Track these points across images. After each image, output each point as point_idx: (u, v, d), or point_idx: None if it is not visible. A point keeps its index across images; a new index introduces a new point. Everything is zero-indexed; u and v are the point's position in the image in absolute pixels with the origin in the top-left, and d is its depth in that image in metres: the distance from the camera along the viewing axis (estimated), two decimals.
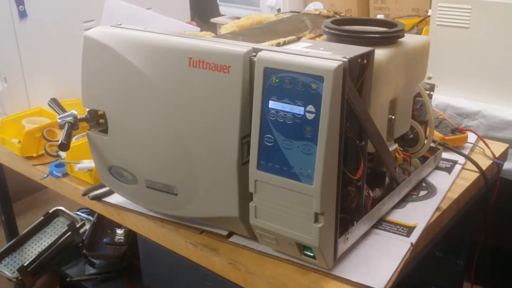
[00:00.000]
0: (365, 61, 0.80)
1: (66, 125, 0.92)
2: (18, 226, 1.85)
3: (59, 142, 0.89)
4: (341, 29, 0.89)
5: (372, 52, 0.82)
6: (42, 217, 1.80)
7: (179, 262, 0.99)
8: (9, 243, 1.71)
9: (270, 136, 0.78)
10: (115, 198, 1.06)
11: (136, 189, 0.95)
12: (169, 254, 0.99)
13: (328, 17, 1.10)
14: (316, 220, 0.77)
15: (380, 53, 0.87)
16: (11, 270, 1.62)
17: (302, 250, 0.83)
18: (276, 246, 0.86)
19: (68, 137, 0.90)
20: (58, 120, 0.93)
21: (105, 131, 0.95)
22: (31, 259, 1.62)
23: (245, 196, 0.84)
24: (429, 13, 1.97)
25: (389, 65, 0.89)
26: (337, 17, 1.09)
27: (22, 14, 1.25)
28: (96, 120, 0.95)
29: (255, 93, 0.78)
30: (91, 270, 1.66)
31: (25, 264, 1.59)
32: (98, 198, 1.06)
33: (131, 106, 0.90)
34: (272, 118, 0.77)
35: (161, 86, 0.86)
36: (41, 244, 1.72)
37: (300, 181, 0.76)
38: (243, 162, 0.83)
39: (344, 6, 2.40)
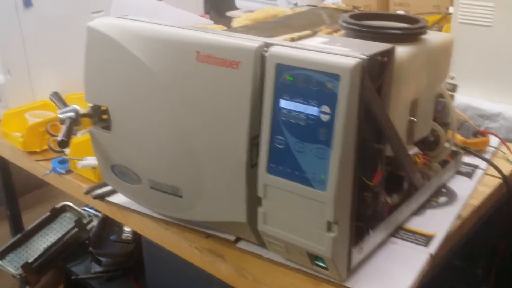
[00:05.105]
0: (385, 58, 0.75)
1: (67, 121, 0.88)
2: (26, 220, 1.82)
3: (59, 138, 0.84)
4: (360, 24, 0.84)
5: (393, 49, 0.76)
6: (48, 213, 1.77)
7: (184, 266, 0.94)
8: (14, 238, 1.68)
9: (281, 137, 0.72)
10: (119, 198, 1.01)
11: (140, 189, 0.91)
12: (174, 258, 0.95)
13: (346, 11, 1.04)
14: (329, 229, 0.72)
15: (402, 51, 0.81)
16: (15, 266, 1.59)
17: (313, 260, 0.78)
18: (286, 254, 0.81)
19: (69, 133, 0.86)
20: (59, 115, 0.89)
21: (108, 127, 0.90)
22: (36, 255, 1.59)
23: (253, 201, 0.79)
24: (450, 10, 1.90)
25: (410, 63, 0.83)
26: (356, 11, 1.03)
27: (27, 3, 1.21)
28: (99, 116, 0.91)
29: (266, 91, 0.72)
30: (97, 268, 1.63)
31: (29, 261, 1.56)
32: (101, 197, 1.02)
33: (135, 102, 0.85)
34: (284, 119, 0.72)
35: (167, 81, 0.81)
36: (47, 240, 1.69)
37: (312, 186, 0.71)
38: (252, 164, 0.78)
39: (363, 1, 2.34)
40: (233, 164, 0.78)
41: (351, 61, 0.66)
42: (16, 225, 1.74)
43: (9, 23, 1.22)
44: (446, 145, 1.02)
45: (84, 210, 1.79)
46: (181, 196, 0.86)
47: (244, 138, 0.76)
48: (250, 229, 0.82)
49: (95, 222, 1.73)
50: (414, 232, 0.91)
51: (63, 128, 0.86)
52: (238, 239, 0.89)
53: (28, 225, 1.77)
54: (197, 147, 0.81)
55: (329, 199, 0.70)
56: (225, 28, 1.03)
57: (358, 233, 0.80)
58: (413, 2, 2.31)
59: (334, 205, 0.70)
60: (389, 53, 0.75)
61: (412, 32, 0.85)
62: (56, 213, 1.79)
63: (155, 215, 0.96)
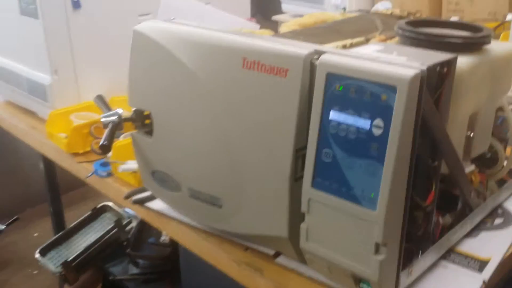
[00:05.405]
0: (445, 69, 0.69)
1: (110, 125, 0.86)
2: (68, 217, 1.85)
3: (100, 143, 0.83)
4: (418, 32, 0.78)
5: (454, 59, 0.70)
6: (90, 212, 1.79)
7: (221, 277, 0.91)
8: (55, 236, 1.70)
9: (328, 151, 0.68)
10: (158, 204, 0.99)
11: (179, 197, 0.88)
12: (212, 269, 0.92)
13: (401, 17, 0.99)
14: (376, 251, 0.67)
15: (463, 61, 0.75)
16: (55, 264, 1.61)
17: (357, 282, 0.73)
18: (328, 274, 0.76)
19: (111, 137, 0.85)
20: (102, 119, 0.87)
21: (150, 132, 0.88)
22: (76, 254, 1.60)
23: (296, 216, 0.74)
24: (509, 17, 1.81)
25: (472, 75, 0.77)
26: (412, 18, 0.97)
27: (76, 5, 1.21)
28: (142, 121, 0.89)
29: (314, 101, 0.68)
30: (134, 270, 1.63)
31: (69, 259, 1.58)
32: (141, 202, 1.00)
33: (179, 107, 0.83)
34: (333, 131, 0.67)
35: (211, 87, 0.78)
36: (87, 239, 1.71)
37: (360, 204, 0.66)
38: (296, 177, 0.74)
39: (414, 6, 2.25)
40: (277, 176, 0.75)
41: (409, 72, 0.61)
42: (58, 222, 1.76)
43: (57, 24, 1.22)
44: (505, 162, 0.95)
45: (124, 211, 1.79)
46: (220, 207, 0.83)
47: (289, 149, 0.72)
48: (291, 245, 0.78)
49: (134, 223, 1.73)
50: (466, 256, 0.85)
51: (105, 133, 0.85)
52: (277, 254, 0.85)
53: (70, 222, 1.79)
54: (240, 156, 0.78)
55: (379, 219, 0.65)
56: (272, 33, 1.00)
57: (407, 256, 0.74)
58: (467, 9, 2.21)
59: (384, 226, 0.65)
60: (450, 63, 0.70)
61: (475, 41, 0.79)
62: (97, 213, 1.80)
63: (193, 224, 0.93)
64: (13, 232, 2.26)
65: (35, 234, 2.32)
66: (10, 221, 2.11)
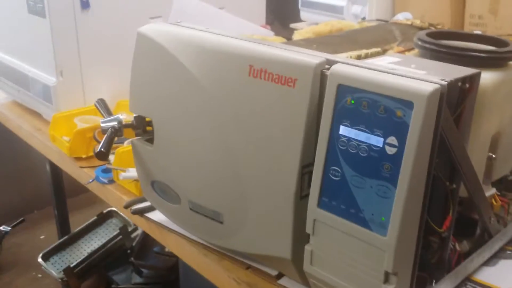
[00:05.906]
0: (467, 85, 0.64)
1: (109, 131, 0.82)
2: (74, 222, 1.82)
3: (98, 149, 0.79)
4: (438, 44, 0.73)
5: (478, 75, 0.65)
6: (95, 217, 1.76)
7: None
8: (59, 240, 1.67)
9: (337, 168, 0.63)
10: (159, 215, 0.95)
11: (179, 209, 0.84)
12: (211, 285, 0.87)
13: (422, 28, 0.93)
14: (386, 281, 0.62)
15: (486, 77, 0.70)
16: (57, 269, 1.58)
17: None
18: None
19: (109, 144, 0.80)
20: (102, 125, 0.83)
21: (151, 140, 0.84)
22: (79, 260, 1.57)
23: (300, 237, 0.69)
24: None
25: (496, 92, 0.72)
26: (433, 29, 0.92)
27: (84, 5, 1.18)
28: (143, 128, 0.85)
29: (323, 114, 0.63)
30: (138, 279, 1.59)
31: (71, 265, 1.54)
32: (140, 212, 0.96)
33: (181, 115, 0.79)
34: (342, 147, 0.62)
35: (216, 95, 0.74)
36: (91, 245, 1.68)
37: (370, 229, 0.61)
38: (301, 195, 0.69)
39: (436, 19, 2.18)
40: (281, 193, 0.70)
41: (428, 87, 0.55)
42: (63, 226, 1.73)
43: (65, 24, 1.18)
44: None
45: None
46: (222, 222, 0.78)
47: (295, 166, 0.68)
48: (294, 267, 0.73)
49: (140, 231, 1.70)
50: (484, 286, 0.79)
51: (103, 139, 0.81)
52: (281, 275, 0.80)
53: (76, 227, 1.76)
54: (243, 170, 0.73)
55: (390, 246, 0.60)
56: (284, 40, 0.95)
57: (420, 285, 0.69)
58: (491, 23, 2.13)
59: (395, 254, 0.60)
60: (473, 79, 0.64)
61: (500, 56, 0.74)
62: (102, 218, 1.78)
63: (194, 238, 0.89)
64: (19, 233, 2.24)
65: (42, 237, 2.30)
66: (15, 222, 2.09)
